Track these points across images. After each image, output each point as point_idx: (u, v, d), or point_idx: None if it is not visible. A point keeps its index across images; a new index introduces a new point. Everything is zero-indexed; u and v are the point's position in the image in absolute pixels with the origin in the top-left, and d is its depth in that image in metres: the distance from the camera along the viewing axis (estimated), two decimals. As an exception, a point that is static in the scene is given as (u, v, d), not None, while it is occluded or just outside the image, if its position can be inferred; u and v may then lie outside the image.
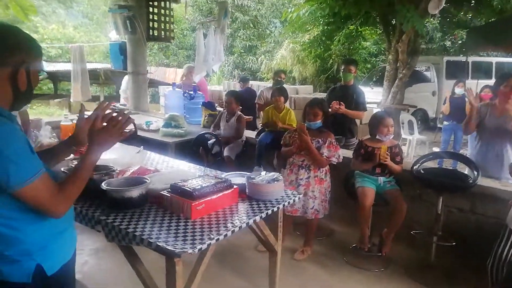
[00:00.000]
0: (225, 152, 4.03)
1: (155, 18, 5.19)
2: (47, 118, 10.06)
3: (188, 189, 1.95)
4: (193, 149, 3.87)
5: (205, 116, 4.73)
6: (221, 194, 2.03)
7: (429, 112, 10.18)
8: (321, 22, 9.89)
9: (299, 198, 2.32)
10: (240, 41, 15.94)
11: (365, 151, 3.12)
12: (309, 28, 10.82)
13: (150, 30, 5.23)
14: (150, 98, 9.16)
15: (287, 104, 4.39)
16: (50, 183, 1.27)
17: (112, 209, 1.94)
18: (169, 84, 12.14)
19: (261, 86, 6.26)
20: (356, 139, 4.35)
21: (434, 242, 3.00)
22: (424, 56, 10.23)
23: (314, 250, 3.30)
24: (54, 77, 12.53)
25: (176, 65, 16.14)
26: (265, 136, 4.12)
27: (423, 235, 3.20)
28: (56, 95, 14.11)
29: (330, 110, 3.78)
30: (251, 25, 16.27)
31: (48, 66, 10.44)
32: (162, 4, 5.15)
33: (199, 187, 1.98)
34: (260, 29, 16.57)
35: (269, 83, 7.72)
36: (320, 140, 3.07)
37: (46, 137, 2.91)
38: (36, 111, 11.46)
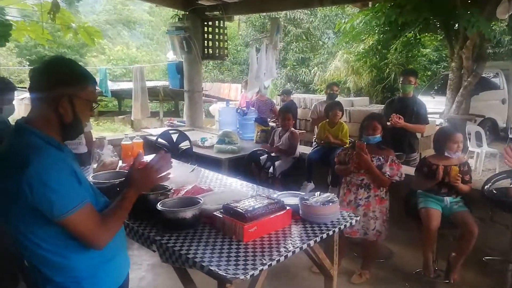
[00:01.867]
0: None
1: (210, 37, 5.34)
2: (111, 134, 10.74)
3: (240, 210, 1.92)
4: (246, 165, 3.88)
5: (258, 132, 4.74)
6: (273, 215, 1.98)
7: (499, 122, 9.39)
8: (376, 31, 9.58)
9: (356, 221, 2.20)
10: (292, 54, 15.94)
11: (428, 169, 2.90)
12: (364, 37, 10.53)
13: (205, 49, 5.39)
14: (206, 113, 9.40)
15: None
16: (93, 214, 1.29)
17: (166, 229, 1.96)
18: (224, 100, 12.45)
19: (314, 100, 6.16)
20: (417, 153, 4.10)
21: (509, 270, 2.70)
22: (492, 61, 9.50)
23: (373, 273, 3.11)
24: (118, 95, 13.40)
25: (230, 81, 16.52)
26: (316, 152, 4.01)
27: (496, 262, 2.90)
28: (120, 112, 15.05)
29: (388, 123, 3.61)
30: (304, 37, 16.22)
31: (112, 85, 11.17)
32: (217, 23, 5.29)
33: (251, 208, 1.95)
34: (313, 41, 16.45)
35: (322, 96, 7.59)
36: (381, 157, 2.90)
37: (108, 156, 3.05)
38: (102, 128, 12.28)
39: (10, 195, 1.19)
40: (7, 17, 4.81)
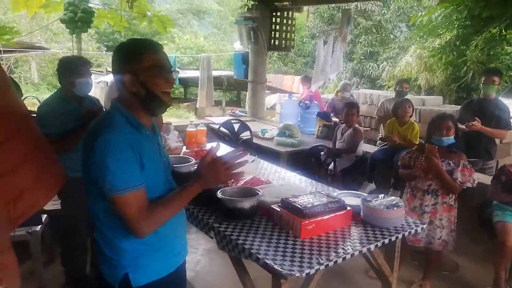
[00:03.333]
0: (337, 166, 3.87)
1: (277, 28, 5.30)
2: (176, 120, 11.20)
3: (299, 206, 1.89)
4: (305, 160, 3.82)
5: (319, 127, 4.64)
6: (333, 214, 1.92)
7: None
8: (456, 25, 8.86)
9: (422, 228, 2.06)
10: (360, 47, 15.36)
11: (507, 179, 2.63)
12: (441, 32, 9.80)
13: (272, 40, 5.36)
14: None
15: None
16: (142, 202, 1.28)
17: (224, 217, 1.99)
18: (286, 92, 12.38)
19: (381, 96, 5.87)
20: (494, 160, 3.75)
21: None
22: None
23: (434, 286, 2.91)
24: (185, 82, 13.91)
25: (293, 73, 16.38)
26: (380, 151, 3.82)
27: None
28: (185, 99, 15.65)
29: (463, 126, 3.33)
30: (374, 30, 15.54)
31: (180, 73, 11.61)
32: (285, 14, 5.23)
33: (310, 205, 1.90)
34: (383, 34, 15.71)
35: (389, 92, 7.22)
36: (451, 162, 2.68)
37: (173, 141, 3.18)
38: (168, 113, 12.85)
39: (87, 162, 1.28)
40: (90, 5, 5.17)
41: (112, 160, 1.22)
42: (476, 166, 3.18)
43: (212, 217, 2.00)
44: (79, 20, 4.79)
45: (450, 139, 2.70)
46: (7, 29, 4.20)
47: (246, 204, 1.99)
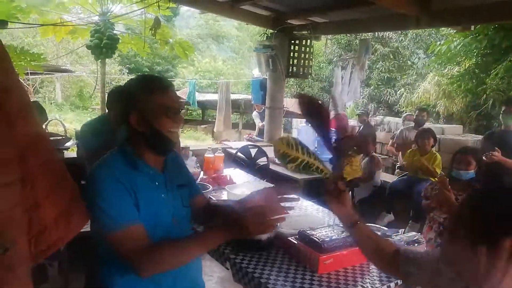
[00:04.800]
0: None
1: (296, 55, 5.38)
2: (194, 142, 11.32)
3: (317, 239, 1.87)
4: (322, 188, 3.78)
5: (337, 154, 4.60)
6: (352, 249, 1.88)
7: None
8: (475, 54, 8.83)
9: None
10: (378, 73, 15.38)
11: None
12: (460, 59, 9.76)
13: (290, 67, 5.44)
14: (282, 128, 9.48)
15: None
16: (140, 237, 1.20)
17: (240, 248, 1.97)
18: (302, 116, 12.41)
19: (400, 124, 5.84)
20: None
21: None
22: None
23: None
24: (203, 105, 14.15)
25: (310, 97, 16.44)
26: (400, 181, 3.76)
27: None
28: (203, 121, 15.87)
29: (485, 158, 3.27)
30: (391, 56, 15.57)
31: (198, 96, 11.87)
32: (303, 42, 5.32)
33: (328, 239, 1.88)
34: (400, 61, 15.72)
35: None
36: None
37: (192, 167, 3.21)
38: (185, 135, 13.03)
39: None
40: (115, 32, 5.37)
41: (101, 197, 1.20)
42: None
43: (228, 248, 1.99)
44: (104, 47, 4.96)
45: (469, 173, 2.66)
46: (36, 56, 4.38)
47: (263, 235, 1.98)
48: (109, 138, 2.59)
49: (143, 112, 1.27)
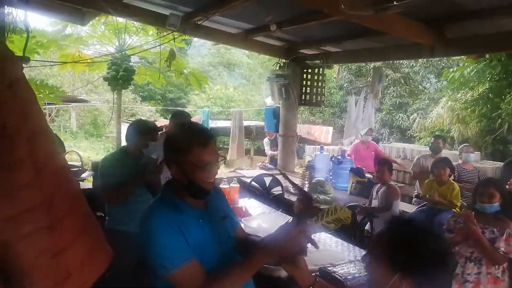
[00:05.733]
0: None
1: (308, 83, 5.42)
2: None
3: (339, 277, 1.82)
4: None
5: (353, 183, 4.54)
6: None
7: None
8: (488, 79, 8.79)
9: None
10: (389, 98, 15.38)
11: None
12: (473, 85, 9.71)
13: (303, 95, 5.47)
14: (296, 156, 9.44)
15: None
16: (197, 274, 1.30)
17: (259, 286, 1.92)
18: (314, 143, 12.39)
19: (415, 151, 5.76)
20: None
21: None
22: None
23: None
24: (215, 132, 14.25)
25: (321, 123, 16.48)
26: (419, 212, 3.67)
27: None
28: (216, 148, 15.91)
29: (508, 187, 3.18)
30: (402, 81, 15.60)
31: (211, 123, 12.02)
32: (316, 71, 5.36)
33: (351, 276, 1.82)
34: (412, 86, 15.73)
35: (423, 146, 7.07)
36: (495, 230, 2.52)
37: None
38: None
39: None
40: (131, 64, 5.51)
41: (155, 243, 1.29)
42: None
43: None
44: (120, 78, 5.09)
45: (493, 206, 2.56)
46: (54, 89, 4.54)
47: (283, 272, 1.92)
48: (127, 172, 2.63)
49: (181, 165, 1.37)
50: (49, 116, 14.84)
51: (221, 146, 15.92)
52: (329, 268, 1.90)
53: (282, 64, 5.36)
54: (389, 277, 1.11)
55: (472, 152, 4.89)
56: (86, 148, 13.89)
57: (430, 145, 4.98)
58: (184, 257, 1.29)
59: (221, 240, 1.48)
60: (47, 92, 4.48)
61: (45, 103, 9.68)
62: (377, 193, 3.91)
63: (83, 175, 3.75)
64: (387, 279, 1.12)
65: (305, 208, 1.53)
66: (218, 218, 1.51)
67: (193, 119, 11.75)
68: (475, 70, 6.99)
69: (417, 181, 4.83)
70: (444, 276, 1.28)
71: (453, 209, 3.54)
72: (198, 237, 1.37)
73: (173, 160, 1.38)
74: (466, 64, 7.23)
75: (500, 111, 10.12)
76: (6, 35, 2.74)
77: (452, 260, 1.21)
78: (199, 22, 3.94)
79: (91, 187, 3.70)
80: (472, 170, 4.64)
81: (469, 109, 10.87)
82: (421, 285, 1.14)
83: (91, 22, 4.80)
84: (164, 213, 1.35)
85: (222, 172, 5.65)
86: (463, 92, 11.06)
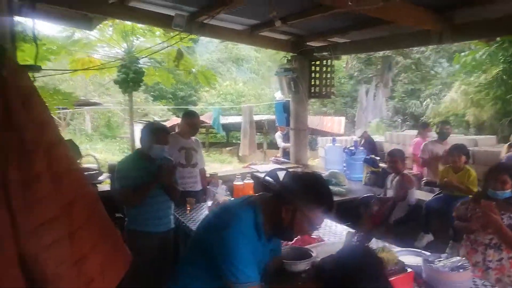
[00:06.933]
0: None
1: (317, 76, 5.39)
2: (219, 165, 11.37)
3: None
4: (356, 211, 3.70)
5: (367, 173, 4.52)
6: (393, 278, 1.81)
7: None
8: (501, 61, 8.60)
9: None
10: (401, 85, 15.17)
11: None
12: (486, 67, 9.52)
13: (312, 88, 5.44)
14: (308, 148, 9.42)
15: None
16: None
17: (275, 281, 1.93)
18: (326, 133, 12.32)
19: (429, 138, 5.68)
20: None
21: None
22: None
23: None
24: (226, 128, 14.30)
25: (333, 113, 16.37)
26: (436, 200, 3.64)
27: None
28: (228, 144, 16.01)
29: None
30: (414, 67, 15.36)
31: (222, 119, 12.05)
32: (324, 62, 5.33)
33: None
34: (423, 71, 15.47)
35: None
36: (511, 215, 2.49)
37: (222, 195, 3.23)
38: (211, 158, 13.13)
39: (213, 241, 1.46)
40: (140, 65, 5.57)
41: (237, 256, 1.41)
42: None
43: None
44: (131, 81, 5.16)
45: (506, 193, 2.51)
46: (67, 95, 4.63)
47: (300, 267, 1.94)
48: (143, 174, 2.67)
49: (296, 211, 1.48)
50: (64, 121, 15.12)
51: (233, 141, 16.00)
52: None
53: (289, 58, 5.34)
54: None
55: (449, 131, 4.93)
56: (101, 150, 14.12)
57: (438, 131, 4.93)
58: (255, 278, 1.45)
59: (261, 266, 1.62)
60: (61, 98, 4.58)
61: (59, 108, 9.88)
62: (391, 182, 3.89)
63: (100, 178, 3.82)
64: None
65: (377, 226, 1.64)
66: (269, 250, 1.67)
67: (204, 117, 11.79)
68: (487, 53, 6.84)
69: (426, 167, 4.78)
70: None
71: (470, 195, 3.50)
72: (259, 264, 1.52)
73: (293, 203, 1.48)
74: (478, 47, 7.07)
75: (515, 92, 9.91)
76: (15, 44, 2.79)
77: None
78: (204, 21, 3.94)
79: (109, 189, 3.76)
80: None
81: (483, 92, 10.67)
82: None
83: (98, 27, 4.86)
84: (249, 232, 1.47)
85: (236, 168, 5.68)
86: (476, 75, 10.85)
